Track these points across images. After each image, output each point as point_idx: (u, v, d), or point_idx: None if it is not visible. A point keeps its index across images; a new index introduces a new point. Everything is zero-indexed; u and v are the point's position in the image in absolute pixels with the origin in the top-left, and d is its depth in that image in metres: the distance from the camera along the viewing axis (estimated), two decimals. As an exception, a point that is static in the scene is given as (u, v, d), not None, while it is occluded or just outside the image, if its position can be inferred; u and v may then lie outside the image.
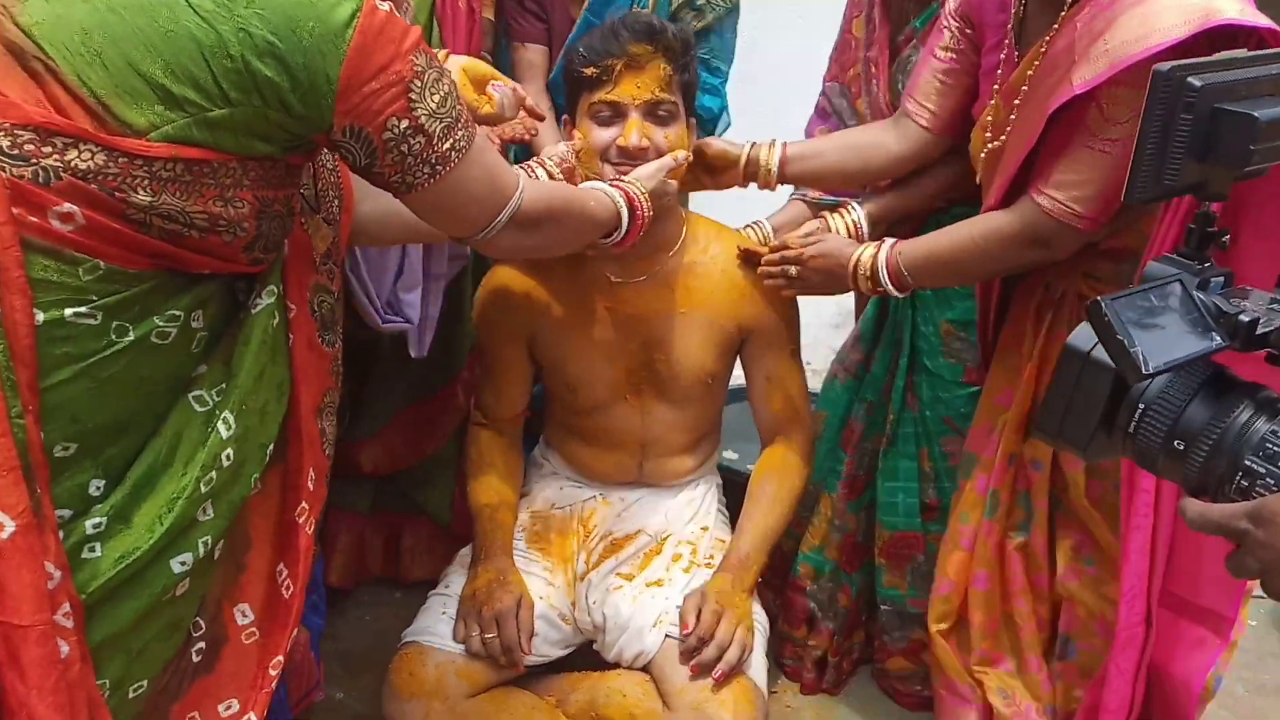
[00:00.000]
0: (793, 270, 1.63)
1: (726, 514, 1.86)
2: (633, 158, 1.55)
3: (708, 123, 2.06)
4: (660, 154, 1.56)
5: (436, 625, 1.60)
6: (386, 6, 1.04)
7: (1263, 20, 1.19)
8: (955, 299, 1.81)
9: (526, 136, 1.71)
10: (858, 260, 1.58)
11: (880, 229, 1.75)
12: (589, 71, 1.56)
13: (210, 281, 1.09)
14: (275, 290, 1.15)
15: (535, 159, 1.55)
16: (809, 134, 1.96)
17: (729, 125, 2.15)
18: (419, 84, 1.05)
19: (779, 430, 1.78)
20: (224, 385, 1.10)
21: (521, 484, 1.82)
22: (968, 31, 1.58)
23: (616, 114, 1.57)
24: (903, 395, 1.89)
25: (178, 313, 1.05)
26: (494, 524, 1.69)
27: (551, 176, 1.52)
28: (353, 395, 2.04)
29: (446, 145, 1.10)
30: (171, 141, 0.97)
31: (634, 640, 1.58)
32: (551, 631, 1.63)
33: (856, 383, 1.98)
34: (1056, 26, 1.38)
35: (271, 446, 1.16)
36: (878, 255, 1.56)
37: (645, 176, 1.52)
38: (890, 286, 1.57)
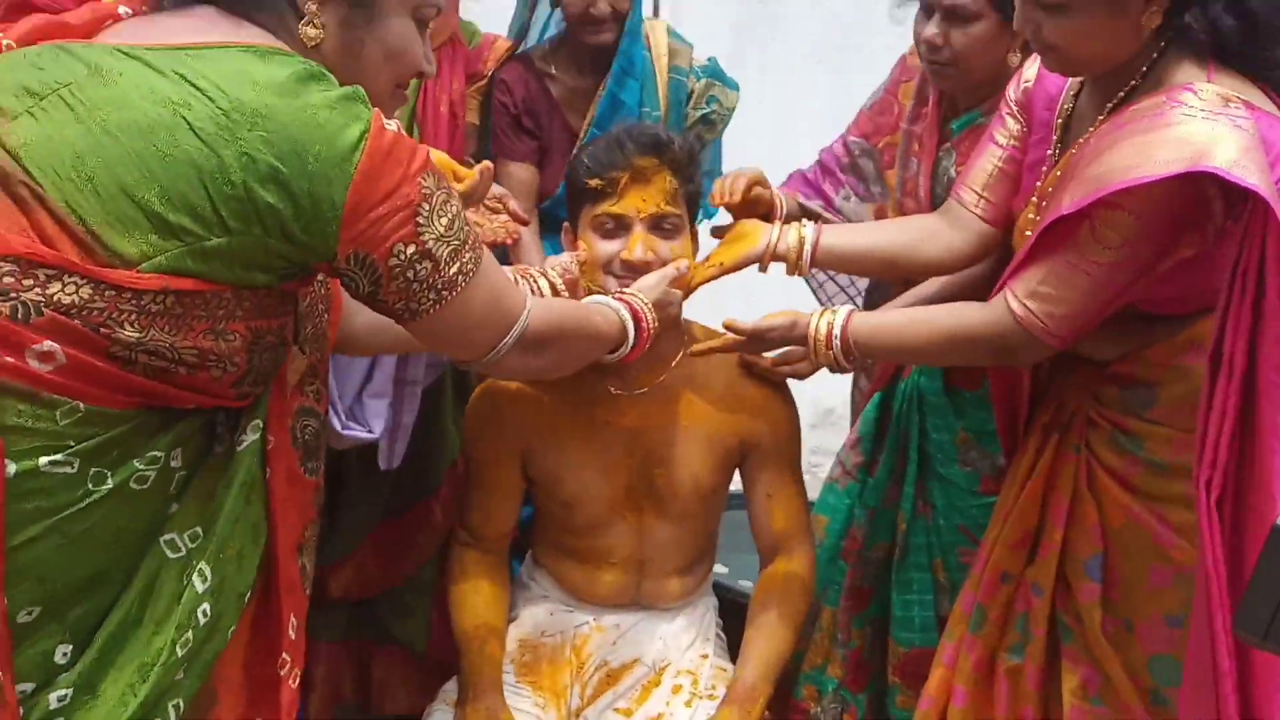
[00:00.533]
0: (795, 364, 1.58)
1: (724, 637, 1.76)
2: (637, 271, 1.51)
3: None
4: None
5: (422, 772, 1.48)
6: (393, 125, 0.98)
7: (1251, 178, 1.13)
8: (970, 407, 1.75)
9: (508, 240, 1.68)
10: (816, 329, 1.48)
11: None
12: (593, 183, 1.52)
13: (193, 417, 1.00)
14: (260, 425, 1.06)
15: (537, 268, 1.51)
16: (815, 179, 1.91)
17: None
18: (427, 207, 0.99)
19: (781, 548, 1.69)
20: (198, 529, 1.00)
21: (509, 609, 1.71)
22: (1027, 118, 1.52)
23: (620, 226, 1.53)
24: (913, 503, 1.82)
25: (158, 453, 0.96)
26: (482, 657, 1.57)
27: (554, 286, 1.46)
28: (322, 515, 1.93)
29: (454, 269, 1.04)
30: (163, 273, 0.90)
31: (636, 783, 1.48)
32: (546, 776, 1.52)
33: (858, 486, 1.90)
34: (1093, 129, 1.34)
35: (249, 594, 1.06)
36: (834, 325, 1.47)
37: (648, 287, 1.47)
38: (840, 358, 1.49)
